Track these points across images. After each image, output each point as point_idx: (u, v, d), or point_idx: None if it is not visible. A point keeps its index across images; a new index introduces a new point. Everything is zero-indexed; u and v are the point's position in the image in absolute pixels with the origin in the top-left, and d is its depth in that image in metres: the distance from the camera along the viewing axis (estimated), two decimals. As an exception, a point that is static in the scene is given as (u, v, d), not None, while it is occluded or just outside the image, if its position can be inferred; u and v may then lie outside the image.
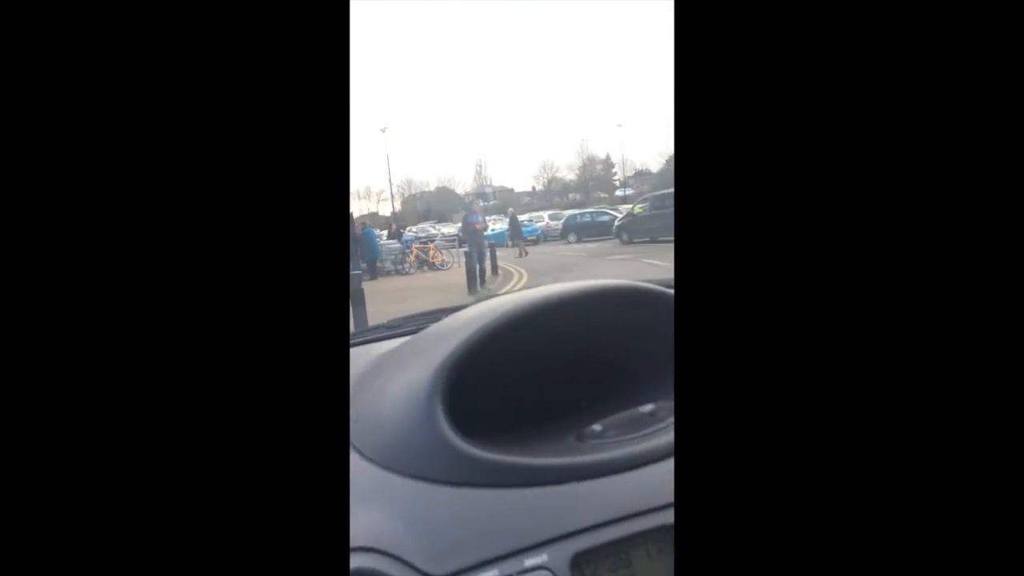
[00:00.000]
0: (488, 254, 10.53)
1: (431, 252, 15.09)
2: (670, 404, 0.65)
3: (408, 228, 24.49)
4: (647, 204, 15.81)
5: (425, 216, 44.31)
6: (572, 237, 20.56)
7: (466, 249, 10.13)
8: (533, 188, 57.77)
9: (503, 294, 0.84)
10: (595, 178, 53.94)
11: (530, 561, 0.51)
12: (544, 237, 22.36)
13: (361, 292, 5.65)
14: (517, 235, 16.73)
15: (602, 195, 47.87)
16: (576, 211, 25.31)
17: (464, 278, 9.76)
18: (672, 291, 0.69)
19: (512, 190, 57.29)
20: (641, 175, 50.13)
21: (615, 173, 54.72)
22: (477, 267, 9.72)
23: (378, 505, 0.55)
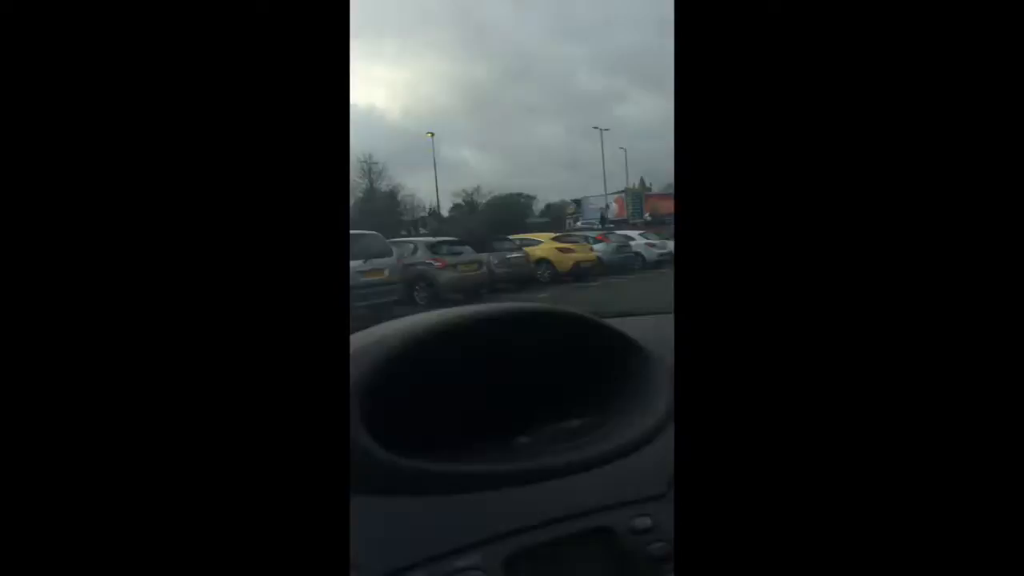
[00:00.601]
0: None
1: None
2: (594, 420, 0.69)
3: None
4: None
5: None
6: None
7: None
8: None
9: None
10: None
11: (461, 562, 0.52)
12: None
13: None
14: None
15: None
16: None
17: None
18: (592, 316, 0.72)
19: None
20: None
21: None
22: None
23: None
